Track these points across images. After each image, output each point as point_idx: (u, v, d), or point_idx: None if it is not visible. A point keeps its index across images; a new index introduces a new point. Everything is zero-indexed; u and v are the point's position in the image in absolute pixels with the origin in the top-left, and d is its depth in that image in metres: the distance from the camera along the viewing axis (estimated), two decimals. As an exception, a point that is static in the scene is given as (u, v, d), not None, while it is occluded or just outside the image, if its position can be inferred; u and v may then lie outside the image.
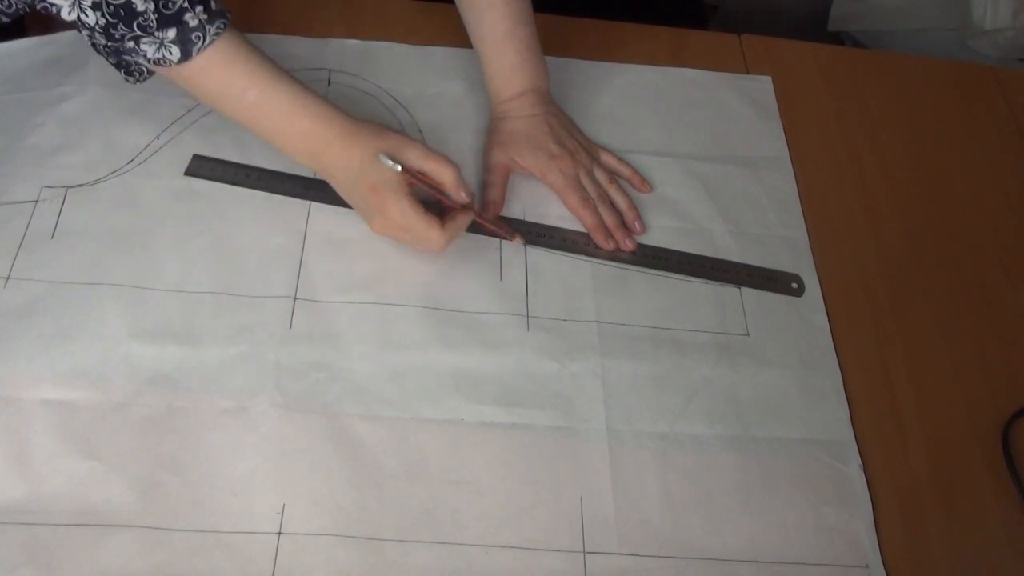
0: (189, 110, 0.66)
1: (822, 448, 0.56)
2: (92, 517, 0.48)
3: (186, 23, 0.52)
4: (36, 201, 0.59)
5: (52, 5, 0.50)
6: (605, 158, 0.67)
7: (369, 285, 0.59)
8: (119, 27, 0.50)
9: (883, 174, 0.71)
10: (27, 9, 0.63)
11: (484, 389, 0.55)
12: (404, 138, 0.57)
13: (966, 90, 0.79)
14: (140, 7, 0.50)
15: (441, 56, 0.73)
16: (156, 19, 0.51)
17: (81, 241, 0.58)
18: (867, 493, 0.55)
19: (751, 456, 0.55)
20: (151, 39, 0.52)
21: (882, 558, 0.52)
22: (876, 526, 0.53)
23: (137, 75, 0.56)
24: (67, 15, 0.50)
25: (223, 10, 0.53)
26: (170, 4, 0.51)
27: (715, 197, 0.67)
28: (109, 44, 0.52)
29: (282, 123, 0.56)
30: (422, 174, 0.57)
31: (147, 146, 0.63)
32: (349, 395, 0.54)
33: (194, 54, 0.52)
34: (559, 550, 0.50)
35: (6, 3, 0.59)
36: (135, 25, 0.50)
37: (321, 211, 0.62)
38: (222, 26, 0.53)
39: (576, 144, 0.66)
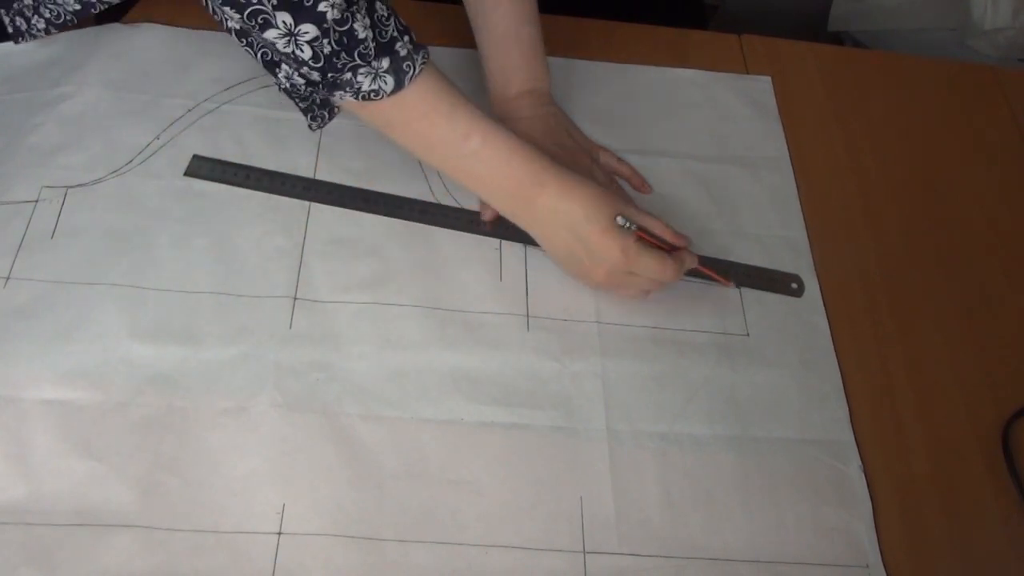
0: (189, 110, 0.66)
1: (822, 448, 0.56)
2: (92, 517, 0.48)
3: (397, 52, 0.51)
4: (36, 201, 0.59)
5: (263, 45, 0.49)
6: (604, 158, 0.67)
7: (369, 285, 0.59)
8: (341, 56, 0.49)
9: (883, 174, 0.71)
10: (74, 20, 0.64)
11: (484, 389, 0.55)
12: (616, 191, 0.60)
13: (966, 90, 0.79)
14: (361, 34, 0.49)
15: (441, 56, 0.72)
16: (374, 47, 0.50)
17: (81, 241, 0.58)
18: (867, 493, 0.55)
19: (751, 456, 0.55)
20: (368, 69, 0.51)
21: (882, 558, 0.52)
22: (876, 526, 0.53)
23: (321, 120, 0.56)
24: (283, 48, 0.49)
25: (422, 44, 0.53)
26: (384, 32, 0.50)
27: (715, 197, 0.67)
28: (324, 78, 0.50)
29: (501, 169, 0.55)
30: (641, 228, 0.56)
31: (147, 146, 0.64)
32: (349, 395, 0.54)
33: (406, 83, 0.52)
34: (559, 550, 0.50)
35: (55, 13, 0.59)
36: (356, 54, 0.49)
37: (321, 211, 0.62)
38: (425, 56, 0.53)
39: (575, 144, 0.66)
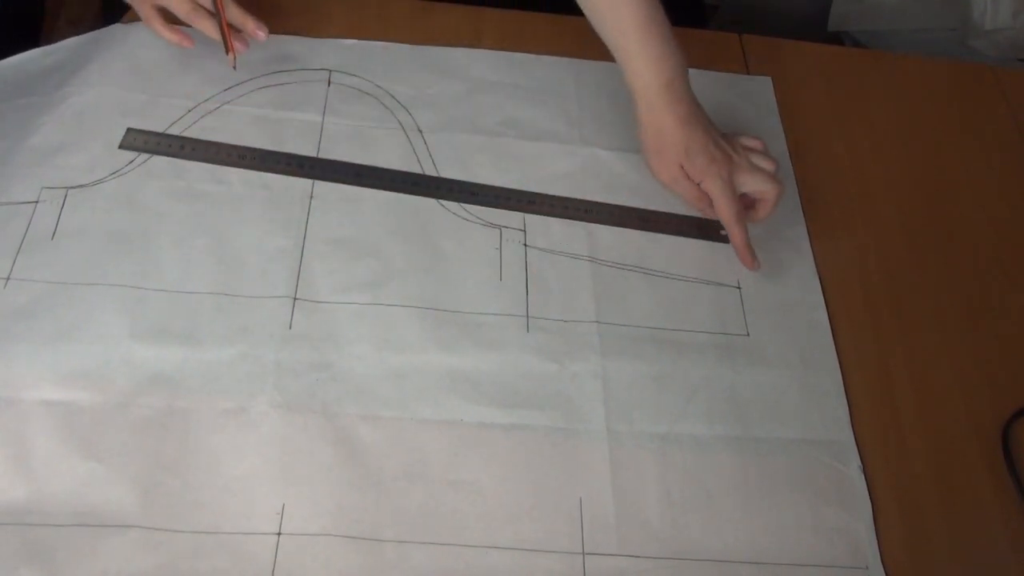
0: (189, 110, 0.66)
1: (822, 448, 0.56)
2: (92, 518, 0.48)
3: None
4: (36, 202, 0.59)
5: None
6: (746, 141, 0.65)
7: (369, 285, 0.59)
8: None
9: (883, 174, 0.71)
10: None
11: (484, 390, 0.55)
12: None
13: (966, 90, 0.79)
14: None
15: (441, 56, 0.73)
16: None
17: (81, 242, 0.58)
18: (867, 493, 0.55)
19: (751, 456, 0.55)
20: None
21: (882, 558, 0.52)
22: (876, 526, 0.53)
23: None
24: None
25: None
26: None
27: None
28: None
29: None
30: None
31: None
32: (349, 395, 0.54)
33: None
34: (559, 551, 0.50)
35: None
36: None
37: (321, 211, 0.62)
38: None
39: (727, 144, 0.64)
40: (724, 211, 0.62)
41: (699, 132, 0.62)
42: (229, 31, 0.65)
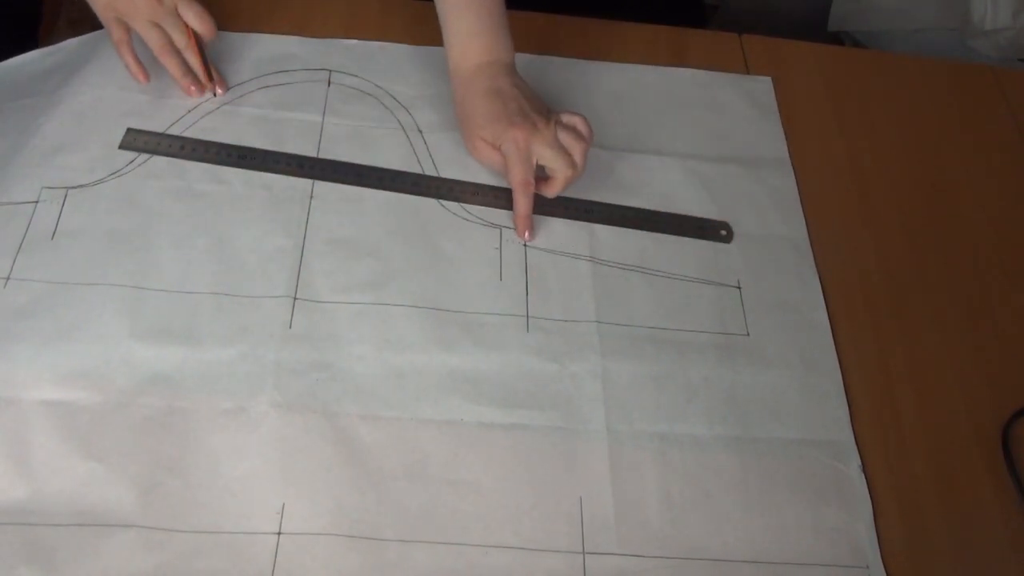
0: (189, 111, 0.66)
1: (822, 448, 0.56)
2: (92, 517, 0.48)
3: None
4: (36, 202, 0.59)
5: None
6: (568, 119, 0.64)
7: (369, 285, 0.59)
8: None
9: (883, 174, 0.71)
10: None
11: (484, 389, 0.55)
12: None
13: (966, 90, 0.79)
14: None
15: (441, 56, 0.72)
16: None
17: (81, 241, 0.58)
18: (867, 493, 0.55)
19: (751, 456, 0.55)
20: None
21: (882, 558, 0.52)
22: (876, 526, 0.53)
23: None
24: None
25: None
26: None
27: (715, 197, 0.67)
28: None
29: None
30: None
31: (147, 146, 0.64)
32: (349, 395, 0.54)
33: None
34: (559, 551, 0.50)
35: None
36: None
37: (321, 211, 0.62)
38: None
39: (538, 115, 0.62)
40: (512, 175, 0.61)
41: (501, 102, 0.62)
42: (204, 68, 0.66)
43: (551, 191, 0.63)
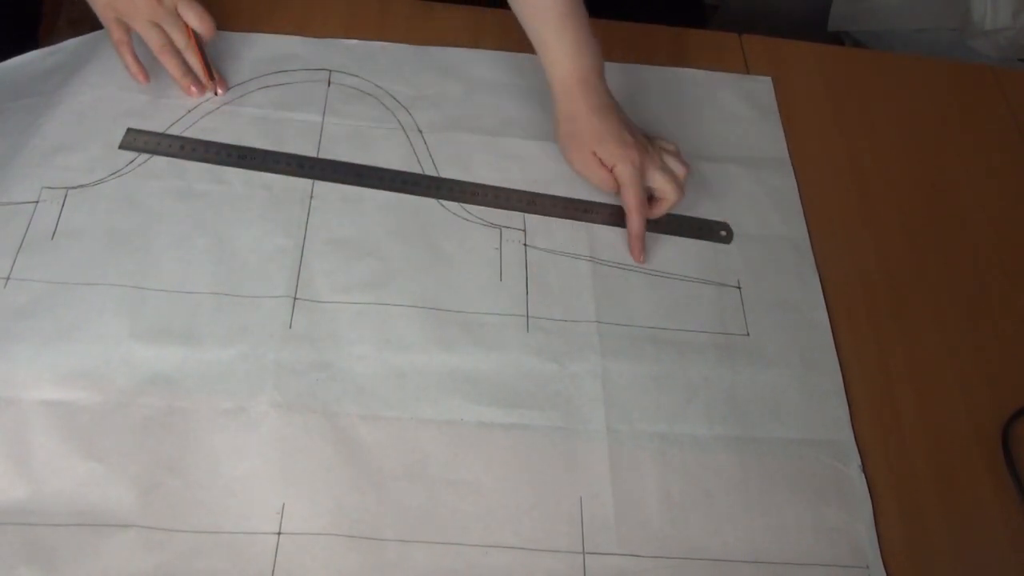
0: (189, 111, 0.66)
1: (822, 448, 0.56)
2: (92, 517, 0.48)
3: None
4: (36, 202, 0.59)
5: None
6: (666, 147, 0.65)
7: (369, 285, 0.59)
8: None
9: (883, 174, 0.71)
10: None
11: (484, 389, 0.55)
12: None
13: (966, 90, 0.79)
14: None
15: (441, 56, 0.73)
16: None
17: (81, 241, 0.58)
18: (867, 493, 0.55)
19: (751, 456, 0.55)
20: None
21: (882, 558, 0.52)
22: (876, 526, 0.53)
23: None
24: None
25: None
26: None
27: (716, 196, 0.67)
28: None
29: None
30: None
31: (147, 146, 0.64)
32: (349, 395, 0.54)
33: None
34: (559, 550, 0.50)
35: None
36: None
37: (321, 211, 0.62)
38: None
39: (644, 138, 0.64)
40: (629, 197, 0.62)
41: (612, 121, 0.63)
42: (205, 67, 0.66)
43: (659, 212, 0.64)
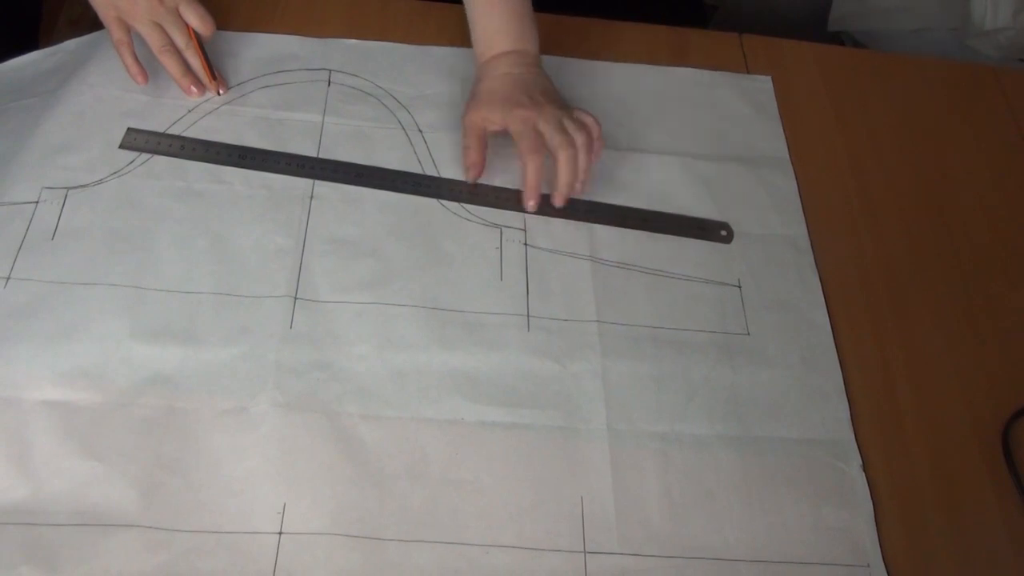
0: (189, 111, 0.66)
1: (823, 447, 0.56)
2: (93, 517, 0.48)
3: None
4: (36, 202, 0.59)
5: None
6: (578, 114, 0.64)
7: (369, 285, 0.59)
8: None
9: (883, 174, 0.71)
10: None
11: (484, 389, 0.55)
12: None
13: (966, 90, 0.79)
14: None
15: (441, 56, 0.73)
16: None
17: (81, 242, 0.58)
18: (868, 493, 0.55)
19: (752, 456, 0.55)
20: None
21: (883, 558, 0.52)
22: (877, 526, 0.53)
23: None
24: None
25: None
26: None
27: (716, 196, 0.67)
28: None
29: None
30: None
31: (147, 146, 0.64)
32: (349, 395, 0.54)
33: None
34: (559, 550, 0.50)
35: None
36: None
37: (321, 211, 0.62)
38: None
39: (548, 101, 0.63)
40: (521, 145, 0.61)
41: (512, 85, 0.63)
42: (207, 67, 0.66)
43: (562, 176, 0.62)
